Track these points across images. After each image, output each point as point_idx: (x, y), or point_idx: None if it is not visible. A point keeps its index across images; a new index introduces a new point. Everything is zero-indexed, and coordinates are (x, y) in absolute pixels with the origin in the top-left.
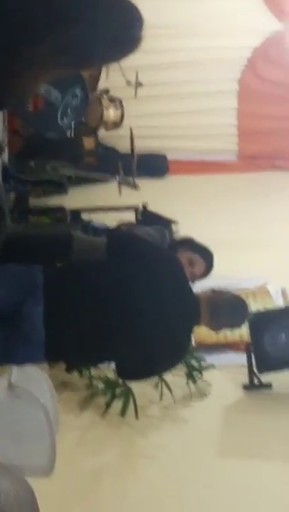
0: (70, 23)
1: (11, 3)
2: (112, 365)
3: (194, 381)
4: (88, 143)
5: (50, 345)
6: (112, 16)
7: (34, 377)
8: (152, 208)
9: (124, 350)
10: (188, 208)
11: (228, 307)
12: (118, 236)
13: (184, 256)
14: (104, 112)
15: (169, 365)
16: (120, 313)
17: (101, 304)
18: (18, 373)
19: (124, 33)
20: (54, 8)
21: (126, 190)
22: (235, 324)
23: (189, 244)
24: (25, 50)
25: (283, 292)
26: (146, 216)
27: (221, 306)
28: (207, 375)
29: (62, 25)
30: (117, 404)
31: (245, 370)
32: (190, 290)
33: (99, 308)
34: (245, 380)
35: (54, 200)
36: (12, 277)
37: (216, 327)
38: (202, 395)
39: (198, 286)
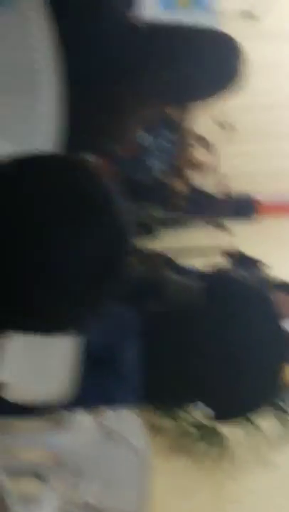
0: (171, 59)
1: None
2: (202, 407)
3: (285, 424)
4: (178, 185)
5: (145, 390)
6: (215, 50)
7: (127, 421)
8: (243, 250)
9: (219, 393)
10: (279, 250)
11: None
12: (216, 278)
13: (279, 298)
14: (195, 153)
15: (261, 406)
16: (218, 356)
17: (198, 347)
18: (111, 416)
19: (225, 68)
20: (153, 50)
21: (216, 233)
22: None
23: (284, 287)
24: (129, 93)
25: None
26: (239, 259)
27: None
28: None
29: (162, 73)
30: (208, 448)
31: None
32: (284, 331)
33: (196, 351)
34: None
35: (144, 243)
36: (106, 319)
37: None
38: None
39: None
